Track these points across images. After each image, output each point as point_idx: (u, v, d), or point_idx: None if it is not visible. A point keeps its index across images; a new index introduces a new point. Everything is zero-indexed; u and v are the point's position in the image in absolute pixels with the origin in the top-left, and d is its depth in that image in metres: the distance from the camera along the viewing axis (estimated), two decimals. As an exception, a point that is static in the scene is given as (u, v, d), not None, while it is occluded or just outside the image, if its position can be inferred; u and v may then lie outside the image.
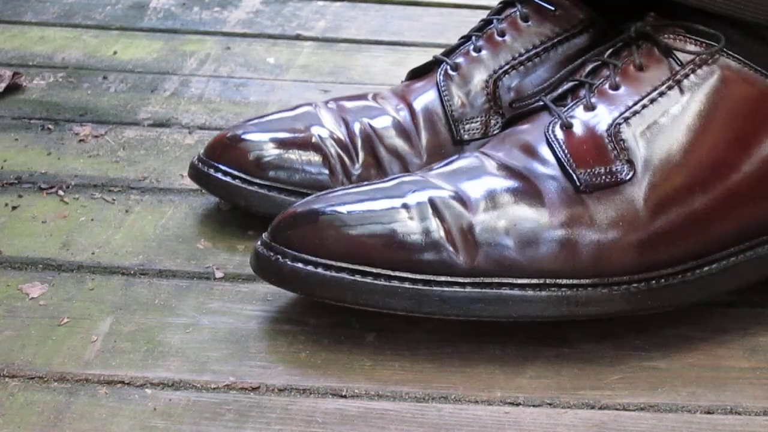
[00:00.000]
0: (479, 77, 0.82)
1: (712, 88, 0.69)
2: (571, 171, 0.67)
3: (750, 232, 0.70)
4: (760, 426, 0.63)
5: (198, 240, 0.79)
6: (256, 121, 0.82)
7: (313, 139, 0.79)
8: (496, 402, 0.64)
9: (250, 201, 0.79)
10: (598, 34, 0.81)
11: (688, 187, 0.68)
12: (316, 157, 0.79)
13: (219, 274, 0.75)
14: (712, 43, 0.69)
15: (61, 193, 0.85)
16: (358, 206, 0.67)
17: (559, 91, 0.72)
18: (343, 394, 0.64)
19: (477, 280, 0.66)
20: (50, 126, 0.96)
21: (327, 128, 0.80)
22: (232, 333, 0.69)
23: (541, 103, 0.72)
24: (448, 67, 0.82)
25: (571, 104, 0.71)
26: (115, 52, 1.11)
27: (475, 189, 0.68)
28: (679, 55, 0.70)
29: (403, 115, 0.81)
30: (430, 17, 1.24)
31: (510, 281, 0.66)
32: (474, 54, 0.82)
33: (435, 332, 0.70)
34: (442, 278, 0.66)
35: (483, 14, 0.86)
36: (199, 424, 0.62)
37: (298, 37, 1.17)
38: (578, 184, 0.67)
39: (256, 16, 1.23)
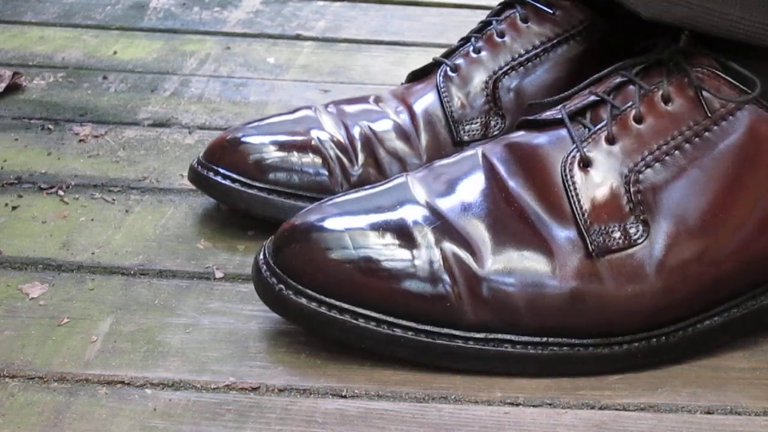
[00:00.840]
0: (479, 78, 0.82)
1: (739, 144, 0.66)
2: (585, 231, 0.65)
3: (755, 284, 0.68)
4: (760, 426, 0.63)
5: (198, 240, 0.79)
6: (255, 123, 0.82)
7: (313, 142, 0.79)
8: (496, 402, 0.64)
9: (249, 204, 0.79)
10: (598, 35, 0.81)
11: (703, 251, 0.66)
12: (315, 159, 0.79)
13: (219, 274, 0.75)
14: (746, 90, 0.66)
15: (61, 193, 0.85)
16: (361, 237, 0.65)
17: (579, 105, 0.69)
18: (343, 394, 0.64)
19: (480, 335, 0.65)
20: (50, 126, 0.96)
21: (327, 131, 0.80)
22: (232, 333, 0.69)
23: (559, 115, 0.69)
24: (448, 69, 0.82)
25: (592, 131, 0.68)
26: (115, 52, 1.11)
27: (483, 233, 0.65)
28: (710, 97, 0.67)
29: (403, 117, 0.81)
30: (430, 17, 1.24)
31: (513, 338, 0.65)
32: (474, 55, 0.82)
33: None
34: (445, 330, 0.65)
35: (483, 14, 0.86)
36: (199, 424, 0.62)
37: (298, 37, 1.17)
38: (591, 248, 0.65)
39: (256, 16, 1.23)
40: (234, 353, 0.67)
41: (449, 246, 0.65)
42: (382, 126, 0.80)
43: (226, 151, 0.80)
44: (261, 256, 0.68)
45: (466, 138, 0.80)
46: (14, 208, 0.83)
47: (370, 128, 0.80)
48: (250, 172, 0.79)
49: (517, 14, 0.82)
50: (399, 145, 0.80)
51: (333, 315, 0.65)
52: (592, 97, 0.69)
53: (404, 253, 0.65)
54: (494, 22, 0.83)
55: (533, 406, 0.64)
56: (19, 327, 0.69)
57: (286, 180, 0.79)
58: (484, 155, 0.70)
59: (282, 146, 0.79)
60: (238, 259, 0.77)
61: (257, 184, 0.79)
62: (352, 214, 0.67)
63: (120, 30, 1.17)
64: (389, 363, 0.67)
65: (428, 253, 0.65)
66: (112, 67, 1.08)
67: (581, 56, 0.81)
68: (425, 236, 0.65)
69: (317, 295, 0.65)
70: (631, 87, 0.69)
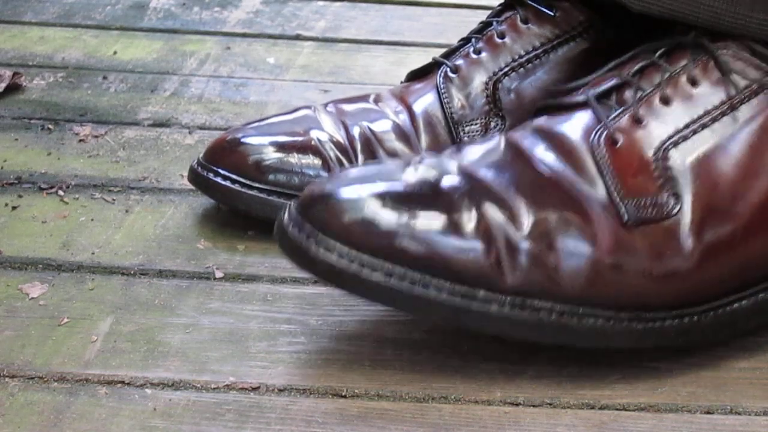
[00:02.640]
0: (479, 79, 0.82)
1: (764, 121, 0.66)
2: (619, 200, 0.65)
3: None
4: (760, 426, 0.63)
5: (198, 240, 0.79)
6: (255, 124, 0.82)
7: (313, 143, 0.79)
8: (496, 402, 0.64)
9: (249, 205, 0.79)
10: (599, 36, 0.81)
11: (733, 229, 0.66)
12: (315, 160, 0.79)
13: (219, 274, 0.75)
14: None
15: (61, 193, 0.85)
16: (399, 197, 0.64)
17: (604, 87, 0.69)
18: (343, 394, 0.64)
19: (517, 300, 0.63)
20: (50, 126, 0.96)
21: (326, 132, 0.80)
22: (232, 333, 0.69)
23: (583, 97, 0.69)
24: (448, 69, 0.82)
25: (618, 111, 0.68)
26: (115, 52, 1.11)
27: (521, 197, 0.65)
28: (737, 78, 0.67)
29: (403, 117, 0.81)
30: (430, 17, 1.24)
31: (550, 306, 0.64)
32: (474, 56, 0.82)
33: (435, 333, 0.70)
34: (482, 293, 0.63)
35: (483, 14, 0.86)
36: (199, 424, 0.62)
37: (298, 37, 1.17)
38: (626, 218, 0.65)
39: (256, 16, 1.23)
40: (234, 353, 0.67)
41: (487, 209, 0.64)
42: (382, 126, 0.80)
43: (226, 152, 0.80)
44: (286, 214, 0.65)
45: (465, 139, 0.80)
46: (14, 208, 0.83)
47: (370, 129, 0.80)
48: (249, 173, 0.79)
49: (518, 15, 0.82)
50: (399, 146, 0.80)
51: (364, 273, 0.63)
52: (616, 80, 0.69)
53: (440, 214, 0.64)
54: (494, 23, 0.83)
55: (533, 406, 0.64)
56: (19, 327, 0.69)
57: (286, 181, 0.79)
58: (509, 140, 0.69)
59: (282, 147, 0.79)
60: (238, 259, 0.77)
61: (257, 184, 0.79)
62: (385, 179, 0.65)
63: (120, 30, 1.17)
64: (389, 363, 0.67)
65: (465, 216, 0.64)
66: (112, 67, 1.08)
67: (582, 57, 0.81)
68: (462, 200, 0.64)
69: (349, 251, 0.63)
70: (656, 70, 0.69)
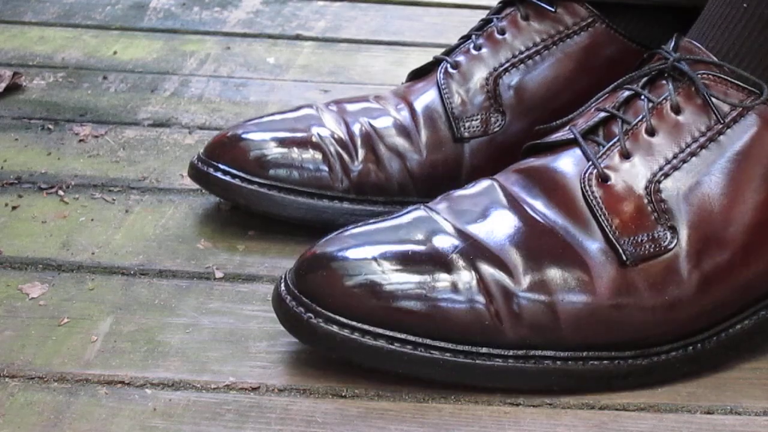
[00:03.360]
0: (479, 75, 0.82)
1: (752, 143, 0.66)
2: (615, 241, 0.65)
3: None
4: (760, 426, 0.63)
5: (198, 240, 0.79)
6: (256, 120, 0.82)
7: (313, 138, 0.79)
8: (496, 402, 0.64)
9: (249, 200, 0.79)
10: (598, 32, 0.81)
11: (732, 253, 0.65)
12: (315, 155, 0.79)
13: (219, 274, 0.75)
14: (754, 90, 0.66)
15: (61, 193, 0.85)
16: (393, 264, 0.64)
17: (591, 123, 0.69)
18: (343, 394, 0.64)
19: (520, 352, 0.64)
20: (50, 126, 0.95)
21: (327, 128, 0.80)
22: (232, 333, 0.69)
23: (570, 135, 0.69)
24: (449, 66, 0.82)
25: (606, 147, 0.67)
26: (115, 52, 1.11)
27: (516, 250, 0.65)
28: (719, 103, 0.67)
29: (404, 114, 0.81)
30: (430, 17, 1.24)
31: (553, 354, 0.64)
32: (474, 52, 0.82)
33: (435, 332, 0.69)
34: (484, 350, 0.63)
35: (483, 14, 0.86)
36: (199, 424, 0.62)
37: (298, 37, 1.17)
38: (624, 258, 0.65)
39: (256, 16, 1.23)
40: (234, 353, 0.67)
41: (483, 266, 0.64)
42: (383, 122, 0.80)
43: (227, 148, 0.80)
44: (282, 286, 0.65)
45: (466, 134, 0.80)
46: (14, 208, 0.83)
47: (371, 125, 0.80)
48: (250, 168, 0.79)
49: (518, 12, 0.82)
50: (399, 142, 0.80)
51: (366, 341, 0.63)
52: (602, 114, 0.69)
53: (438, 276, 0.64)
54: (495, 20, 0.83)
55: (533, 406, 0.64)
56: (19, 327, 0.69)
57: (287, 176, 0.79)
58: (500, 184, 0.69)
59: (282, 142, 0.79)
60: (238, 259, 0.77)
61: (257, 179, 0.79)
62: (378, 243, 0.65)
63: (120, 30, 1.17)
64: (389, 363, 0.67)
65: (463, 274, 0.64)
66: (112, 67, 1.08)
67: (581, 53, 0.81)
68: (458, 259, 0.64)
69: (349, 322, 0.63)
70: (640, 100, 0.68)
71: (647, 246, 0.65)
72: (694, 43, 0.68)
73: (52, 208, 0.83)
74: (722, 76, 0.67)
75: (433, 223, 0.66)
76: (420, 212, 0.67)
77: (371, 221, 0.67)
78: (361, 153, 0.79)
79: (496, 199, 0.68)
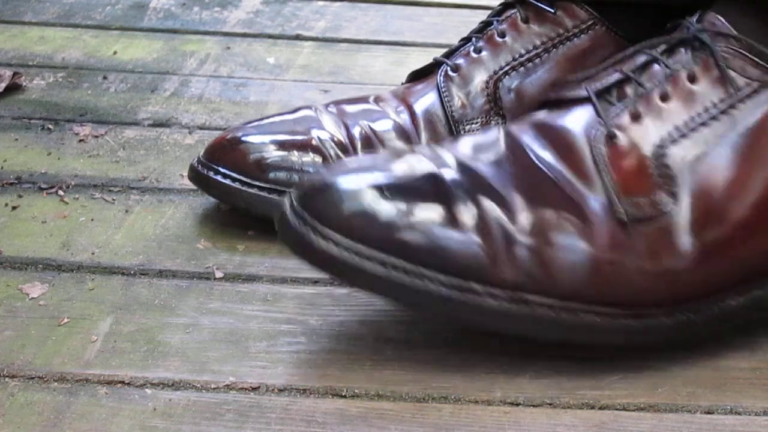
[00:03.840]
0: (479, 78, 0.82)
1: (763, 119, 0.67)
2: (616, 199, 0.65)
3: None
4: (760, 426, 0.63)
5: (198, 240, 0.79)
6: (255, 123, 0.82)
7: (314, 141, 0.79)
8: (496, 402, 0.64)
9: (249, 203, 0.79)
10: (599, 34, 0.81)
11: (729, 227, 0.66)
12: (315, 159, 0.79)
13: (219, 274, 0.75)
14: None
15: (61, 193, 0.85)
16: (397, 191, 0.64)
17: (605, 82, 0.69)
18: (343, 394, 0.64)
19: (514, 295, 0.64)
20: (50, 126, 0.96)
21: (327, 131, 0.80)
22: (232, 333, 0.69)
23: (585, 93, 0.69)
24: (449, 68, 0.82)
25: (617, 107, 0.68)
26: (115, 52, 1.11)
27: (518, 194, 0.65)
28: (736, 76, 0.67)
29: (404, 117, 0.81)
30: (430, 17, 1.24)
31: (544, 301, 0.64)
32: (474, 55, 0.82)
33: (435, 333, 0.70)
34: (479, 286, 0.64)
35: (483, 15, 0.86)
36: (199, 424, 0.62)
37: (298, 37, 1.17)
38: (622, 216, 0.65)
39: (256, 16, 1.23)
40: (234, 353, 0.67)
41: (485, 201, 0.65)
42: (383, 126, 0.80)
43: (227, 151, 0.80)
44: (287, 204, 0.66)
45: (466, 138, 0.80)
46: (14, 208, 0.83)
47: (371, 128, 0.80)
48: (250, 171, 0.79)
49: (518, 14, 0.82)
50: (399, 145, 0.80)
51: (362, 262, 0.64)
52: (618, 75, 0.69)
53: (438, 206, 0.64)
54: (495, 22, 0.83)
55: (533, 406, 0.64)
56: (19, 327, 0.69)
57: (287, 179, 0.79)
58: (509, 133, 0.69)
59: (282, 145, 0.79)
60: (238, 259, 0.77)
61: (257, 183, 0.79)
62: (381, 170, 0.66)
63: (120, 30, 1.17)
64: (389, 363, 0.67)
65: (464, 207, 0.64)
66: (112, 67, 1.08)
67: (582, 56, 0.81)
68: (460, 190, 0.65)
69: (347, 242, 0.64)
70: (657, 66, 0.69)
71: (646, 208, 0.66)
72: (718, 16, 0.69)
73: (52, 208, 0.83)
74: (741, 50, 0.68)
75: (438, 157, 0.67)
76: (425, 149, 0.68)
77: (369, 154, 0.69)
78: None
79: (504, 143, 0.68)
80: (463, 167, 0.66)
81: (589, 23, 0.81)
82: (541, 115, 0.70)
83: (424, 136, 0.80)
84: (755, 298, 0.68)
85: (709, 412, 0.64)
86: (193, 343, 0.68)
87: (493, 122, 0.81)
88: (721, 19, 0.69)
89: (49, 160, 0.90)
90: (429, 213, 0.64)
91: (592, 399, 0.65)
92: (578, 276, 0.65)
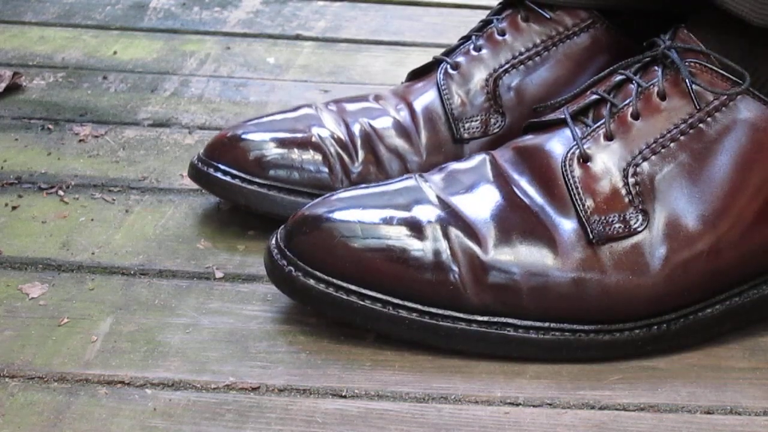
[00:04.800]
0: (479, 76, 0.82)
1: (734, 135, 0.67)
2: (585, 221, 0.67)
3: (755, 274, 0.69)
4: (760, 426, 0.63)
5: (198, 240, 0.79)
6: (256, 121, 0.82)
7: (313, 139, 0.79)
8: (496, 402, 0.64)
9: (249, 200, 0.79)
10: (599, 33, 0.81)
11: (702, 241, 0.67)
12: (315, 156, 0.79)
13: (219, 274, 0.75)
14: (738, 80, 0.67)
15: (61, 193, 0.85)
16: (372, 227, 0.67)
17: (582, 104, 0.71)
18: (343, 394, 0.64)
19: (483, 318, 0.66)
20: (50, 126, 0.96)
21: (327, 128, 0.80)
22: (232, 333, 0.69)
23: (563, 115, 0.71)
24: (449, 66, 0.82)
25: (592, 128, 0.69)
26: (115, 52, 1.11)
27: (489, 223, 0.67)
28: (703, 91, 0.68)
29: (403, 114, 0.81)
30: (430, 17, 1.24)
31: (515, 322, 0.66)
32: (474, 53, 0.82)
33: (435, 332, 0.70)
34: (449, 313, 0.66)
35: (483, 14, 0.86)
36: (199, 424, 0.62)
37: (298, 37, 1.17)
38: (591, 236, 0.66)
39: (256, 16, 1.23)
40: (234, 353, 0.67)
41: (455, 233, 0.67)
42: (383, 123, 0.81)
43: (227, 148, 0.80)
44: (273, 242, 0.69)
45: (466, 135, 0.80)
46: (14, 208, 0.83)
47: (371, 125, 0.80)
48: (250, 168, 0.79)
49: (518, 13, 0.82)
50: (399, 143, 0.80)
51: (339, 296, 0.66)
52: (594, 96, 0.71)
53: (412, 240, 0.67)
54: (495, 21, 0.83)
55: (533, 406, 0.64)
56: (19, 327, 0.69)
57: (287, 176, 0.79)
58: (493, 159, 0.71)
59: (282, 143, 0.79)
60: (238, 259, 0.77)
61: (257, 180, 0.79)
62: (362, 207, 0.68)
63: (120, 30, 1.17)
64: (389, 363, 0.67)
65: (435, 240, 0.67)
66: (112, 67, 1.08)
67: (581, 54, 0.81)
68: (434, 227, 0.67)
69: (325, 277, 0.67)
70: (630, 85, 0.70)
71: (617, 226, 0.67)
72: (688, 33, 0.70)
73: (52, 208, 0.83)
74: (709, 65, 0.68)
75: (419, 192, 0.69)
76: (410, 181, 0.71)
77: (362, 186, 0.71)
78: (361, 154, 0.79)
79: (485, 174, 0.70)
80: (441, 201, 0.68)
81: (589, 22, 0.81)
82: (524, 139, 0.72)
83: (423, 133, 0.80)
84: (731, 308, 0.68)
85: (709, 412, 0.64)
86: (193, 343, 0.68)
87: (492, 119, 0.81)
88: (691, 35, 0.70)
89: (49, 160, 0.90)
90: (401, 245, 0.66)
91: (592, 399, 0.65)
92: (544, 297, 0.66)
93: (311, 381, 0.65)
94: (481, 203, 0.68)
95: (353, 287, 0.66)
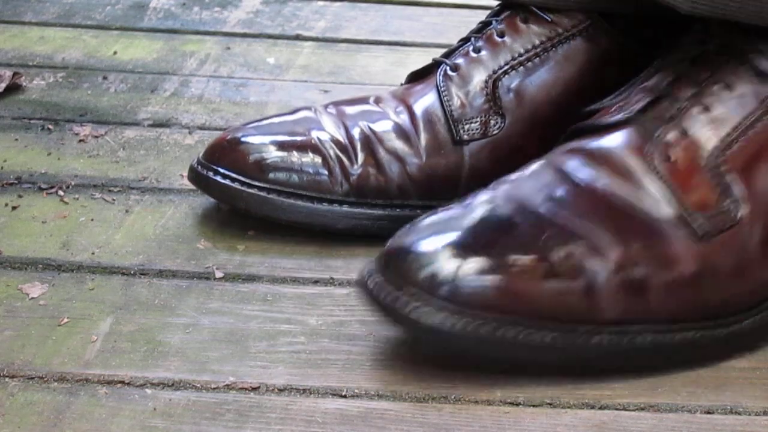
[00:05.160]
0: (479, 77, 0.81)
1: None
2: (688, 216, 0.66)
3: None
4: (760, 426, 0.63)
5: (198, 240, 0.79)
6: (255, 123, 0.82)
7: (313, 142, 0.79)
8: (496, 402, 0.64)
9: (249, 203, 0.79)
10: (598, 34, 0.81)
11: None
12: (315, 159, 0.79)
13: (219, 274, 0.75)
14: None
15: (61, 193, 0.85)
16: (469, 255, 0.64)
17: (642, 103, 0.69)
18: (343, 394, 0.64)
19: (615, 329, 0.65)
20: (50, 126, 0.96)
21: (327, 131, 0.80)
22: (232, 333, 0.69)
23: (622, 116, 0.69)
24: (448, 68, 0.82)
25: (662, 126, 0.68)
26: (115, 52, 1.11)
27: (599, 231, 0.65)
28: None
29: (403, 117, 0.81)
30: (430, 17, 1.24)
31: (645, 328, 0.65)
32: (473, 54, 0.82)
33: (435, 332, 0.70)
34: (583, 328, 0.64)
35: (483, 15, 0.86)
36: (199, 424, 0.62)
37: (298, 37, 1.17)
38: (699, 232, 0.66)
39: (256, 16, 1.23)
40: (234, 353, 0.67)
41: (570, 244, 0.65)
42: (382, 126, 0.80)
43: (226, 151, 0.80)
44: (366, 274, 0.66)
45: (465, 137, 0.80)
46: (14, 208, 0.83)
47: (370, 128, 0.80)
48: (249, 171, 0.79)
49: (517, 14, 0.82)
50: (399, 145, 0.80)
51: (475, 329, 0.63)
52: (651, 95, 0.70)
53: (518, 259, 0.64)
54: (494, 22, 0.83)
55: (533, 406, 0.64)
56: (19, 327, 0.69)
57: (286, 179, 0.79)
58: (553, 165, 0.69)
59: (282, 146, 0.79)
60: (238, 259, 0.77)
61: (257, 183, 0.79)
62: (456, 230, 0.65)
63: (120, 30, 1.17)
64: (389, 363, 0.67)
65: (552, 254, 0.64)
66: (112, 67, 1.08)
67: (581, 56, 0.81)
68: (542, 245, 0.65)
69: (454, 307, 0.63)
70: (688, 80, 0.69)
71: (717, 219, 0.66)
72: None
73: (52, 208, 0.83)
74: None
75: (498, 203, 0.66)
76: (485, 197, 0.67)
77: (443, 209, 0.67)
78: (360, 156, 0.79)
79: (556, 180, 0.68)
80: (532, 216, 0.66)
81: (588, 23, 0.81)
82: (582, 142, 0.70)
83: (423, 136, 0.80)
84: None
85: (709, 412, 0.64)
86: (193, 343, 0.68)
87: (492, 121, 0.81)
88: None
89: (49, 160, 0.90)
90: (511, 265, 0.64)
91: (592, 399, 0.65)
92: (671, 298, 0.65)
93: (311, 381, 0.65)
94: (572, 210, 0.66)
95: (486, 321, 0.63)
